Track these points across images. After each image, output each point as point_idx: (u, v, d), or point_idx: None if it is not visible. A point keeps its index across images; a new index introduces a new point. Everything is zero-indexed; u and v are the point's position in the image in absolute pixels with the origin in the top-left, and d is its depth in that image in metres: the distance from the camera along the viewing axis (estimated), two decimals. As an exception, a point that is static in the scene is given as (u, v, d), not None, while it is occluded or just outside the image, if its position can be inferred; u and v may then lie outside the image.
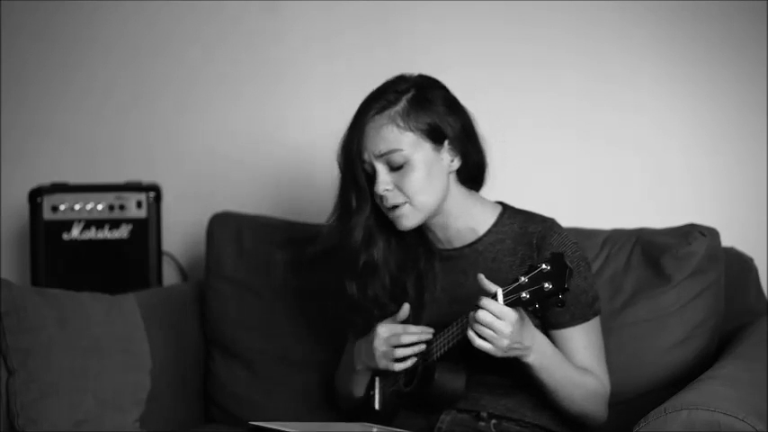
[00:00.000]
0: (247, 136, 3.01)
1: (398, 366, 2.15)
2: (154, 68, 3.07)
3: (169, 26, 3.05)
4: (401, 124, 2.10)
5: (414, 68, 2.19)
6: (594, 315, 2.14)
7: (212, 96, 3.04)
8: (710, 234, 2.34)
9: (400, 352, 2.15)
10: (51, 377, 2.35)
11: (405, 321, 2.18)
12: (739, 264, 2.44)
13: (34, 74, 3.11)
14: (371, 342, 2.18)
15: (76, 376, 2.37)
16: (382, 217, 2.17)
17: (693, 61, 2.70)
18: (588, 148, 2.77)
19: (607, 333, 2.25)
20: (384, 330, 2.17)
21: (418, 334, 2.15)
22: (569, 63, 2.76)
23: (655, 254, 2.36)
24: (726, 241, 2.38)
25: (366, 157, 2.12)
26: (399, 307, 2.19)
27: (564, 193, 2.76)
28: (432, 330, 2.14)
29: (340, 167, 2.17)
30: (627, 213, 2.68)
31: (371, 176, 2.13)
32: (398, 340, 2.15)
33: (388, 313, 2.21)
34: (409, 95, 2.12)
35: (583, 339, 2.12)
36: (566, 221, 2.28)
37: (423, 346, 2.14)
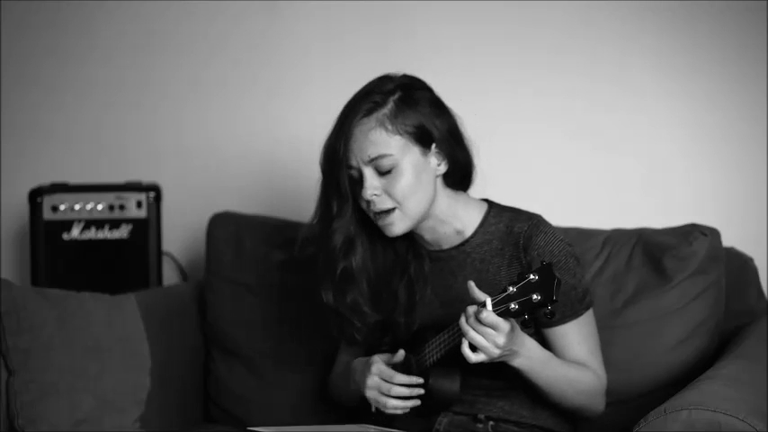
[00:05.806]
0: (248, 136, 3.01)
1: (388, 412, 2.10)
2: (154, 69, 3.06)
3: (170, 26, 3.05)
4: (389, 127, 2.06)
5: (413, 70, 2.18)
6: (586, 309, 2.12)
7: (213, 97, 3.04)
8: (712, 234, 2.34)
9: (391, 404, 2.09)
10: (51, 377, 2.35)
11: (407, 358, 2.13)
12: (739, 264, 2.44)
13: (35, 74, 3.11)
14: (365, 377, 2.12)
15: (76, 376, 2.37)
16: (365, 222, 2.14)
17: (693, 62, 2.70)
18: (588, 149, 2.77)
19: (608, 332, 2.25)
20: (376, 372, 2.11)
21: (408, 388, 2.08)
22: (570, 64, 2.76)
23: (656, 254, 2.36)
24: (726, 241, 2.38)
25: (354, 162, 2.08)
26: (385, 317, 2.17)
27: (564, 193, 2.76)
28: (421, 381, 2.08)
29: (323, 170, 2.12)
30: (627, 213, 2.68)
31: (356, 181, 2.09)
32: (388, 390, 2.09)
33: (383, 342, 2.18)
34: (396, 96, 2.08)
35: (576, 335, 2.11)
36: (566, 221, 2.28)
37: (415, 401, 2.09)
